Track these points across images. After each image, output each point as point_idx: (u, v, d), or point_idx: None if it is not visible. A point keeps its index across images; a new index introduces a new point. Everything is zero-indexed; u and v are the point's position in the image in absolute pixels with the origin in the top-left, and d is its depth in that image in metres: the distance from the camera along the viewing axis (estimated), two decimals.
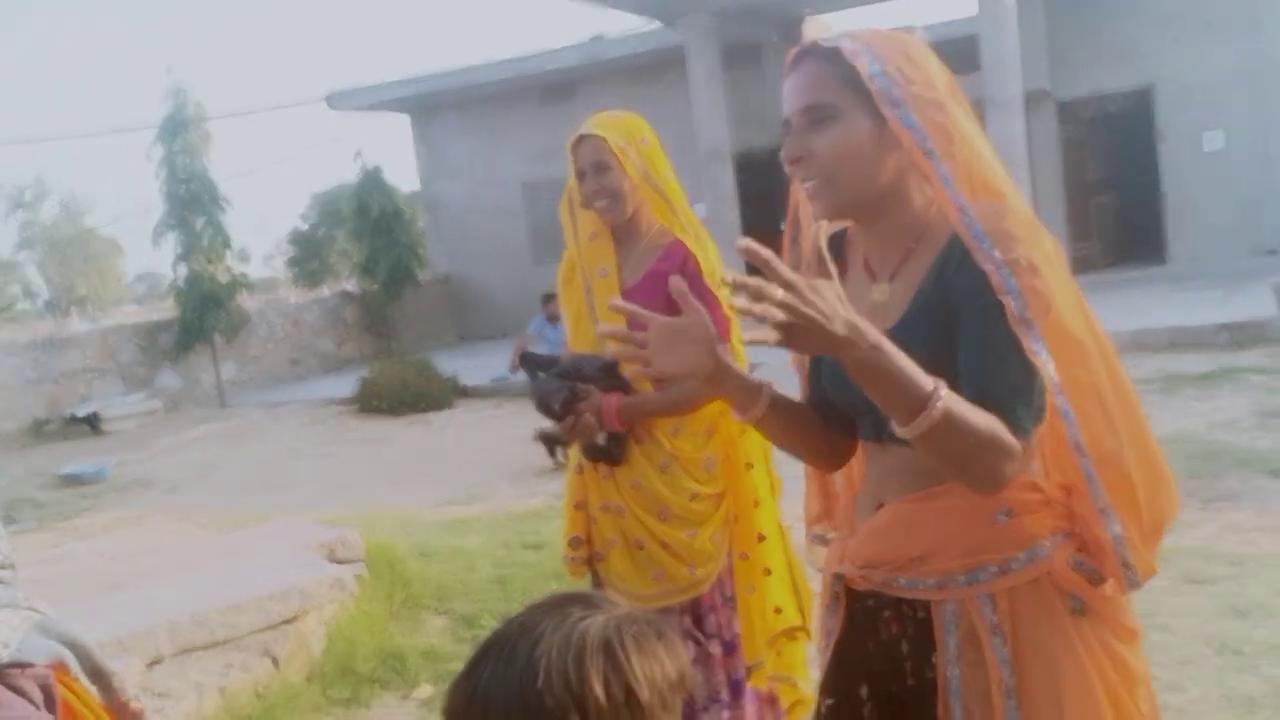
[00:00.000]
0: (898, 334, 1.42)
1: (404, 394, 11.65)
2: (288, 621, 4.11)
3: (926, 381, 1.30)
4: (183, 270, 13.43)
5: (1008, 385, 1.41)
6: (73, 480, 9.57)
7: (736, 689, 2.59)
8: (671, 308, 2.68)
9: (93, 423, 12.33)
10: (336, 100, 17.22)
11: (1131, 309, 11.18)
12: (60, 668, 0.93)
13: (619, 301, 1.61)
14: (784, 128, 1.53)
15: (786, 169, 1.55)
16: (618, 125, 2.61)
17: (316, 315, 16.02)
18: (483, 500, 7.17)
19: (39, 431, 12.37)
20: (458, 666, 3.68)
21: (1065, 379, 1.41)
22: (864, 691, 1.61)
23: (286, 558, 4.76)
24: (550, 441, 7.69)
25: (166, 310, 17.17)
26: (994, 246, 1.40)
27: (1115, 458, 1.44)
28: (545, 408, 2.64)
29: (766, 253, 1.22)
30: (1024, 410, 1.42)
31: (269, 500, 7.94)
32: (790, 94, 1.52)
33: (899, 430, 1.34)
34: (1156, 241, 14.24)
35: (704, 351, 1.42)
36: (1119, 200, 15.99)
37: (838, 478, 1.82)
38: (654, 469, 2.62)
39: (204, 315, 13.23)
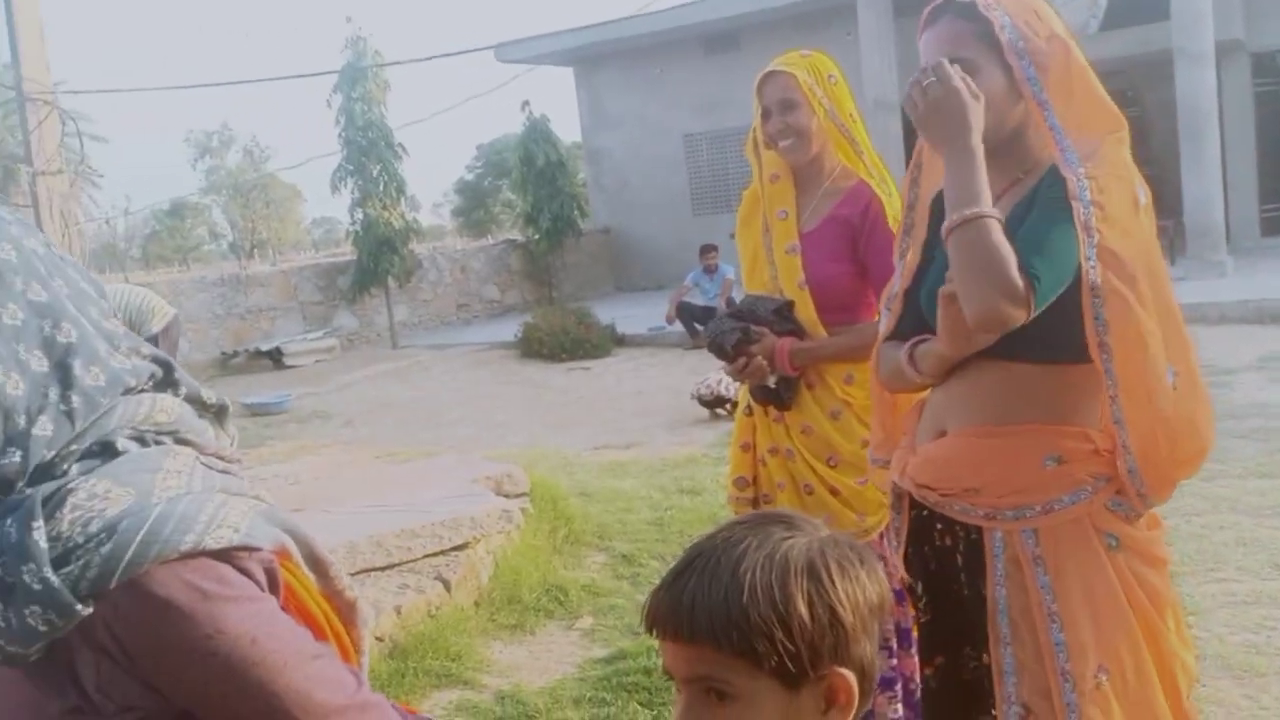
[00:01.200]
0: None
1: (564, 341, 11.90)
2: (458, 548, 4.30)
3: (985, 198, 1.57)
4: (360, 215, 13.98)
5: (1042, 249, 1.57)
6: (257, 410, 10.19)
7: (904, 637, 2.59)
8: (848, 253, 2.67)
9: (275, 357, 13.07)
10: (504, 52, 17.51)
11: None
12: (283, 553, 0.99)
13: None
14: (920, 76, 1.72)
15: None
16: (806, 63, 2.57)
17: (482, 262, 16.48)
18: (639, 446, 7.29)
19: (225, 364, 13.20)
20: (618, 602, 3.79)
21: (1110, 291, 1.56)
22: (919, 588, 1.84)
23: (457, 489, 4.97)
24: (709, 404, 7.74)
25: (343, 254, 17.98)
26: (1080, 164, 1.58)
27: (1148, 366, 1.58)
28: (717, 348, 2.65)
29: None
30: (1045, 268, 1.56)
31: (437, 436, 8.27)
32: (929, 47, 1.72)
33: (947, 221, 1.58)
34: None
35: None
36: None
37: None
38: (825, 415, 2.61)
39: (379, 259, 13.76)
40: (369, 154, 13.78)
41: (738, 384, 2.91)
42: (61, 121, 10.25)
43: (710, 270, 12.11)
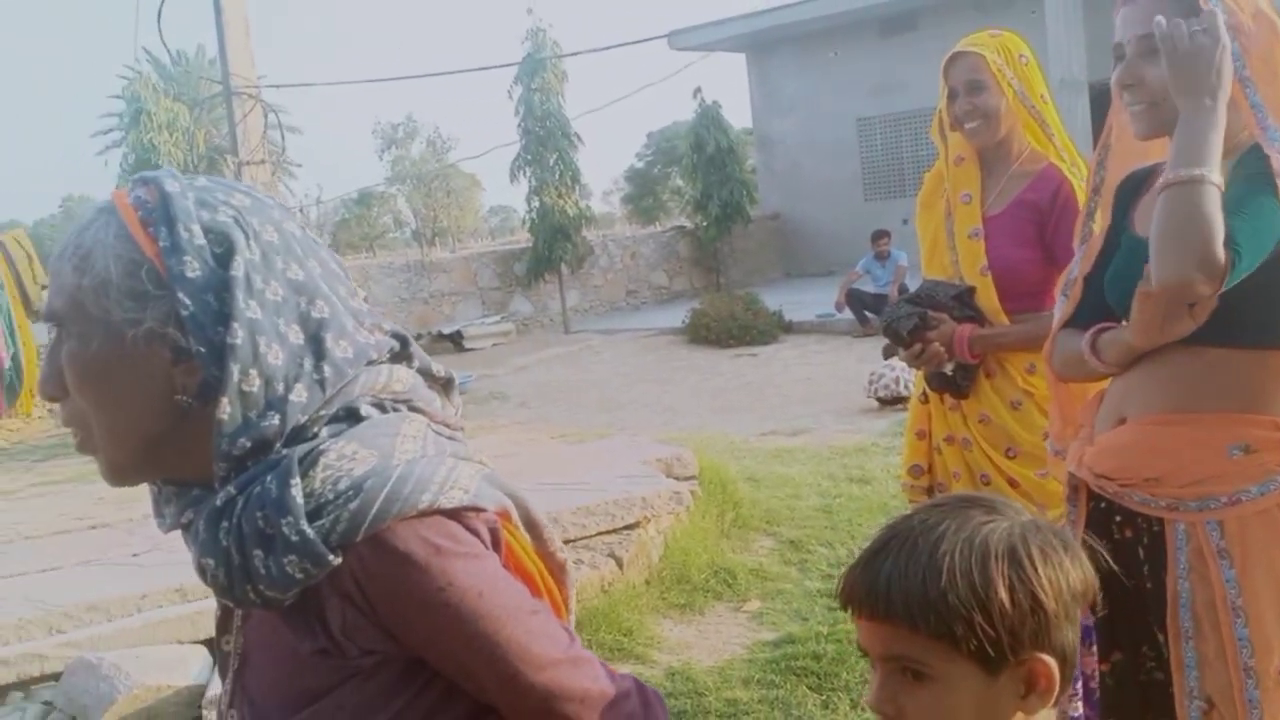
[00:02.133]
0: None
1: (731, 327, 11.93)
2: (630, 527, 4.42)
3: (1213, 163, 1.49)
4: (536, 203, 14.36)
5: (1244, 224, 1.50)
6: None
7: (1085, 633, 2.52)
8: (1034, 239, 2.61)
9: (456, 340, 13.61)
10: (677, 39, 17.60)
11: None
12: (504, 514, 1.06)
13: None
14: (1115, 51, 1.68)
15: (1114, 92, 1.70)
16: (996, 42, 2.52)
17: (652, 249, 16.67)
18: (807, 433, 7.25)
19: None
20: (786, 587, 3.81)
21: None
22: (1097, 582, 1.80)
23: (628, 470, 5.09)
24: (888, 403, 7.58)
25: (517, 241, 18.51)
26: None
27: None
28: (893, 333, 2.62)
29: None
30: (1247, 244, 1.49)
31: (608, 418, 8.45)
32: (1126, 22, 1.66)
33: (1166, 175, 1.50)
34: None
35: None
36: None
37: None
38: (1004, 405, 2.56)
39: (553, 246, 14.12)
40: (546, 143, 14.13)
41: (914, 375, 2.88)
42: (264, 114, 10.95)
43: (882, 257, 11.89)
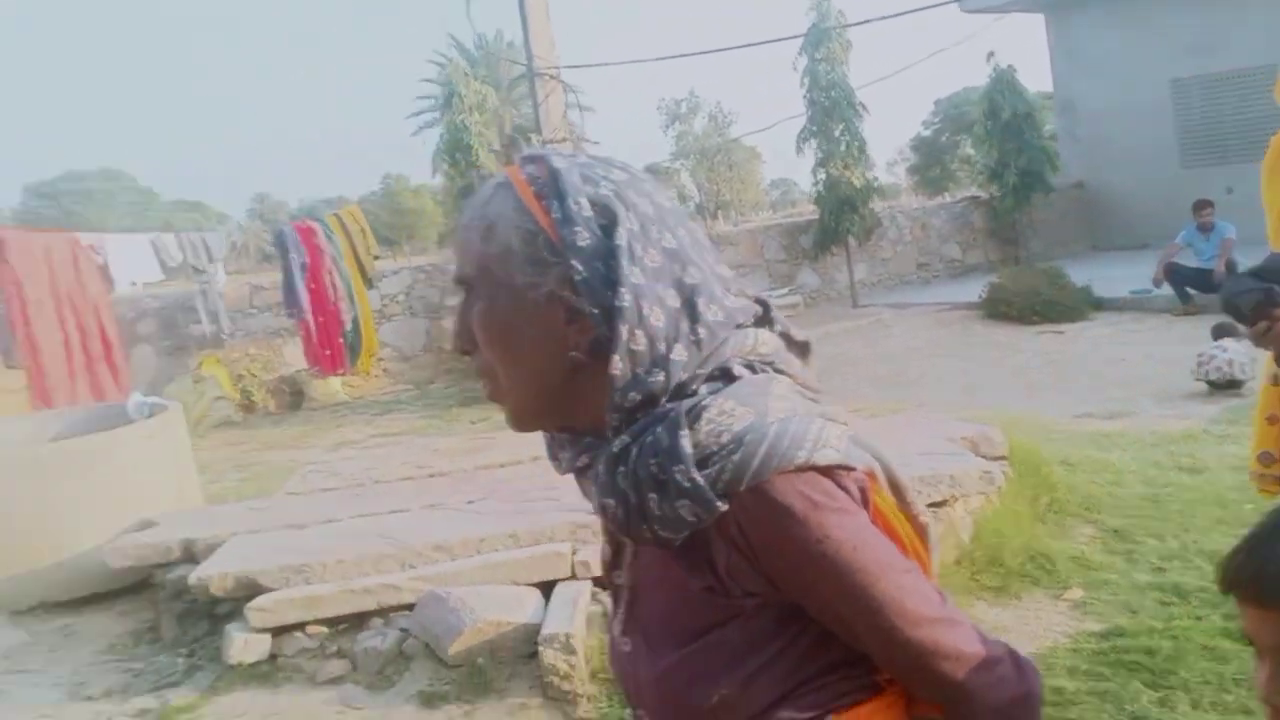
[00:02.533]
0: None
1: (1034, 302, 11.32)
2: (937, 505, 4.33)
3: None
4: (822, 175, 14.23)
5: None
6: None
7: None
8: None
9: None
10: (969, 2, 16.82)
11: None
12: (871, 474, 1.10)
13: None
14: None
15: None
16: None
17: (943, 220, 16.11)
18: (1125, 416, 6.80)
19: None
20: (1111, 577, 3.64)
21: None
22: None
23: (932, 446, 4.97)
24: (1220, 387, 6.96)
25: (800, 214, 18.41)
26: None
27: None
28: (1233, 309, 2.43)
29: None
30: None
31: (900, 394, 8.29)
32: None
33: None
34: None
35: None
36: None
37: None
38: None
39: (840, 218, 13.93)
40: (832, 115, 13.92)
41: (1254, 359, 2.67)
42: (564, 94, 11.47)
43: (1205, 228, 10.90)
